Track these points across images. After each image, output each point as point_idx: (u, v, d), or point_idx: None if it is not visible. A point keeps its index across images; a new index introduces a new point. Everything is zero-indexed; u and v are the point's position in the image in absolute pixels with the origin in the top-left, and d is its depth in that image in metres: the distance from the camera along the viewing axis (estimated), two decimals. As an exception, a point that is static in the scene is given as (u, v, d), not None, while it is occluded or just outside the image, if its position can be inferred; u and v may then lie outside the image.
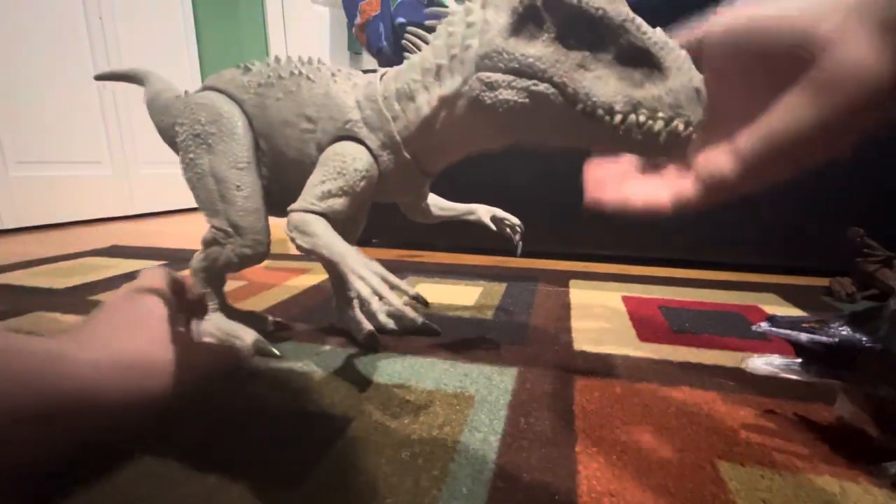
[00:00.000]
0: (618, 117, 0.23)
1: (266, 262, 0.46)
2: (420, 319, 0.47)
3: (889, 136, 0.69)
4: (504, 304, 0.59)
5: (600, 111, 0.23)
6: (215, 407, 0.33)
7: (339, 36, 2.13)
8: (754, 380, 0.37)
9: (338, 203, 0.33)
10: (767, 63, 0.21)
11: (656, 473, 0.26)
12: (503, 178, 0.88)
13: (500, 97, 0.26)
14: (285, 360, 0.41)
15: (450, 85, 0.29)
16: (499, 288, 0.67)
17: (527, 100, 0.25)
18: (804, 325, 0.29)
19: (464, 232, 0.45)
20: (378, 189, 0.36)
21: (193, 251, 0.42)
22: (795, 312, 0.57)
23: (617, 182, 0.27)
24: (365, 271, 0.30)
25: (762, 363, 0.30)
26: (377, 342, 0.43)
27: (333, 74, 0.36)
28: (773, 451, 0.28)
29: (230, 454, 0.28)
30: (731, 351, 0.44)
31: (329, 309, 0.49)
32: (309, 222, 0.32)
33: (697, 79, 0.22)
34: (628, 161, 0.28)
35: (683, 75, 0.22)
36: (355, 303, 0.46)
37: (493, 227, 0.49)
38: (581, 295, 0.64)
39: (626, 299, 0.62)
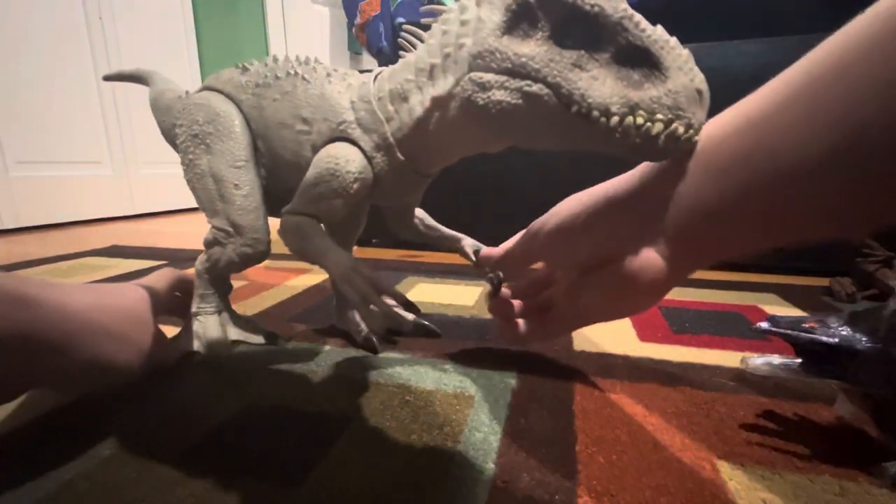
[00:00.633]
0: (614, 119, 0.22)
1: (266, 262, 0.46)
2: (410, 320, 0.47)
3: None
4: (504, 304, 0.59)
5: (595, 113, 0.23)
6: (215, 407, 0.33)
7: (339, 36, 2.13)
8: (754, 380, 0.37)
9: (331, 205, 0.33)
10: None
11: (656, 473, 0.26)
12: (503, 178, 0.88)
13: (493, 98, 0.25)
14: (285, 361, 0.41)
15: (443, 85, 0.28)
16: (499, 288, 0.67)
17: (520, 101, 0.24)
18: (804, 325, 0.29)
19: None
20: (374, 191, 0.35)
21: (193, 251, 0.42)
22: (795, 312, 0.57)
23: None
24: (354, 276, 0.30)
25: (762, 363, 0.30)
26: (375, 345, 0.43)
27: (329, 74, 0.36)
28: (773, 451, 0.28)
29: (230, 454, 0.28)
30: (731, 351, 0.44)
31: (329, 309, 0.49)
32: (300, 225, 0.32)
33: (699, 79, 0.22)
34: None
35: (684, 76, 0.22)
36: (355, 303, 0.46)
37: (473, 259, 0.47)
38: (581, 295, 0.64)
39: (626, 299, 0.62)
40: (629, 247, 0.25)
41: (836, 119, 0.17)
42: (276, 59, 0.38)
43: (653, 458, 0.28)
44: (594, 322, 0.32)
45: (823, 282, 0.70)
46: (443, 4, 0.30)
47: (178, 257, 0.87)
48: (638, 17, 0.22)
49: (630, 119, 0.22)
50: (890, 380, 0.25)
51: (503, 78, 0.25)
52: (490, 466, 0.27)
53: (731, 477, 0.26)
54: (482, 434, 0.30)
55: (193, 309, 0.39)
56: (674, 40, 0.22)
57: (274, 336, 0.42)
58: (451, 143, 0.32)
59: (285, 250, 0.35)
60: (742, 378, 0.38)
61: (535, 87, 0.24)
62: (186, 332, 0.39)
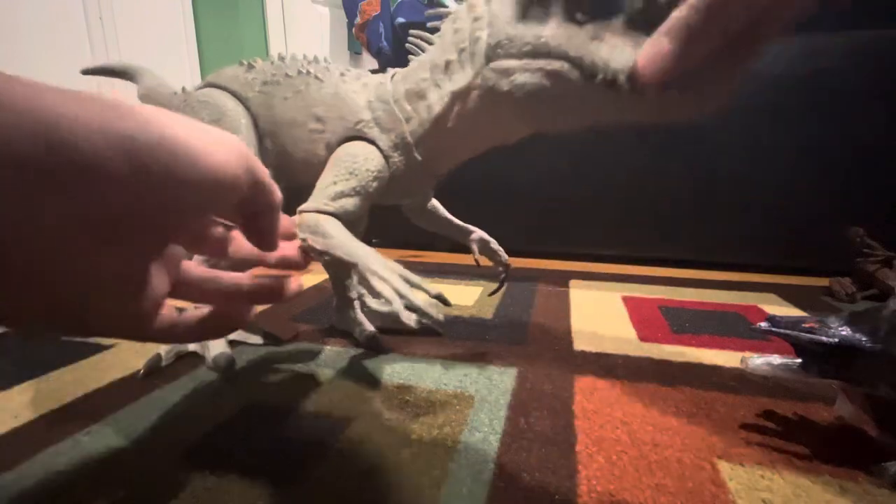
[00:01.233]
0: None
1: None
2: (442, 317, 0.47)
3: (889, 137, 0.69)
4: (504, 304, 0.59)
5: (621, 77, 0.22)
6: (215, 407, 0.33)
7: (339, 36, 2.12)
8: (754, 380, 0.37)
9: (350, 203, 0.33)
10: None
11: (656, 473, 0.26)
12: (503, 178, 0.88)
13: (517, 81, 0.26)
14: (285, 361, 0.41)
15: (460, 79, 0.29)
16: (499, 288, 0.67)
17: (544, 80, 0.25)
18: (804, 325, 0.29)
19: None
20: (385, 190, 0.36)
21: (193, 251, 0.42)
22: (795, 312, 0.57)
23: None
24: (386, 272, 0.30)
25: (762, 363, 0.30)
26: (379, 343, 0.43)
27: (342, 74, 0.36)
28: (773, 451, 0.28)
29: (230, 454, 0.28)
30: (731, 351, 0.44)
31: (330, 309, 0.49)
32: (321, 223, 0.32)
33: None
34: None
35: None
36: (356, 303, 0.46)
37: (477, 252, 0.48)
38: (581, 295, 0.64)
39: (626, 299, 0.62)
40: None
41: None
42: (282, 57, 0.38)
43: (653, 458, 0.28)
44: None
45: (823, 282, 0.70)
46: (444, 6, 0.31)
47: (178, 257, 0.87)
48: None
49: None
50: (890, 380, 0.25)
51: (525, 61, 0.25)
52: (490, 466, 0.27)
53: (732, 477, 0.26)
54: (482, 434, 0.30)
55: None
56: None
57: (273, 336, 0.42)
58: (470, 138, 0.32)
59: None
60: (742, 378, 0.38)
61: (558, 64, 0.24)
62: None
